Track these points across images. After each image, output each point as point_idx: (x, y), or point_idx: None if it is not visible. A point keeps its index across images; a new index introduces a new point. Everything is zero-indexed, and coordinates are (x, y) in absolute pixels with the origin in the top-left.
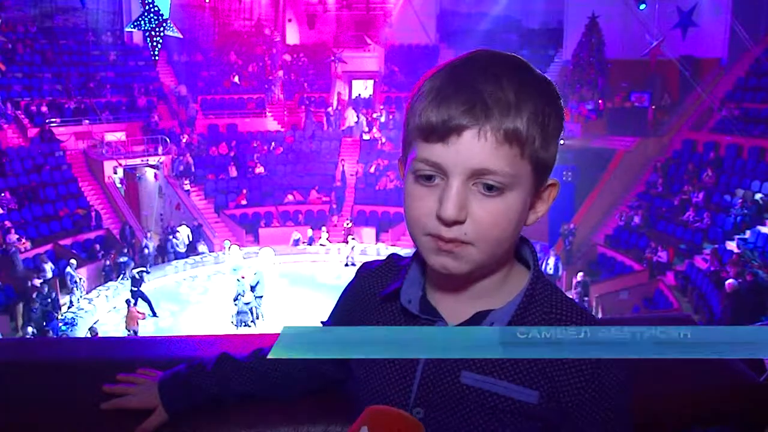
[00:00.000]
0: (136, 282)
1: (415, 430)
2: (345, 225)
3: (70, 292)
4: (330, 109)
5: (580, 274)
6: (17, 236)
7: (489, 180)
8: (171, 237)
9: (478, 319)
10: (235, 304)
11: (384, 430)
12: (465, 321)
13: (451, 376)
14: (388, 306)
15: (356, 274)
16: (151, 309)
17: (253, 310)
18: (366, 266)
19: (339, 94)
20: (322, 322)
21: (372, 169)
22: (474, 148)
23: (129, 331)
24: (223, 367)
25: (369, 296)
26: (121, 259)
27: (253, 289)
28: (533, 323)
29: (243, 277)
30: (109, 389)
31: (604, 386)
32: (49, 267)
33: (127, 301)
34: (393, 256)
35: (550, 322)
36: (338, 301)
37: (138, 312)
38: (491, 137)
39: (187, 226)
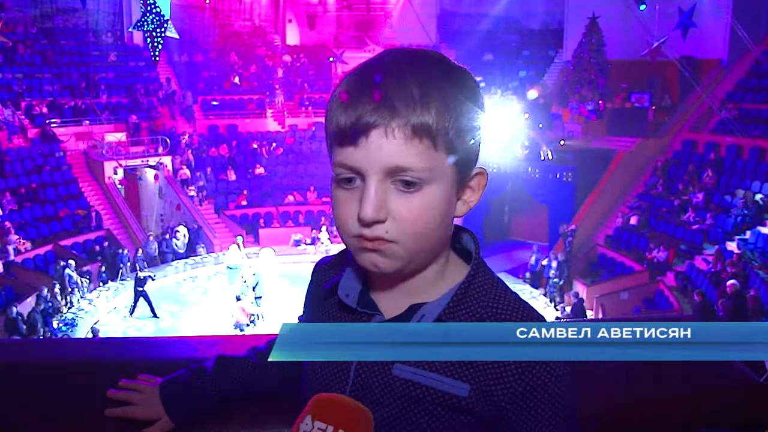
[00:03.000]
0: (141, 282)
1: (360, 416)
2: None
3: (71, 293)
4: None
5: (560, 254)
6: (17, 237)
7: (405, 176)
8: (170, 237)
9: (410, 312)
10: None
11: (327, 418)
12: (399, 315)
13: (384, 369)
14: (330, 300)
15: (312, 270)
16: (152, 309)
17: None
18: (320, 261)
19: None
20: (299, 318)
21: None
22: (383, 146)
23: (237, 329)
24: (222, 367)
25: (318, 290)
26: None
27: (252, 289)
28: (466, 317)
29: (243, 278)
30: (111, 395)
31: (540, 381)
32: (12, 248)
33: (237, 298)
34: (346, 251)
35: (483, 315)
36: (304, 298)
37: (244, 310)
38: (399, 134)
39: (185, 226)
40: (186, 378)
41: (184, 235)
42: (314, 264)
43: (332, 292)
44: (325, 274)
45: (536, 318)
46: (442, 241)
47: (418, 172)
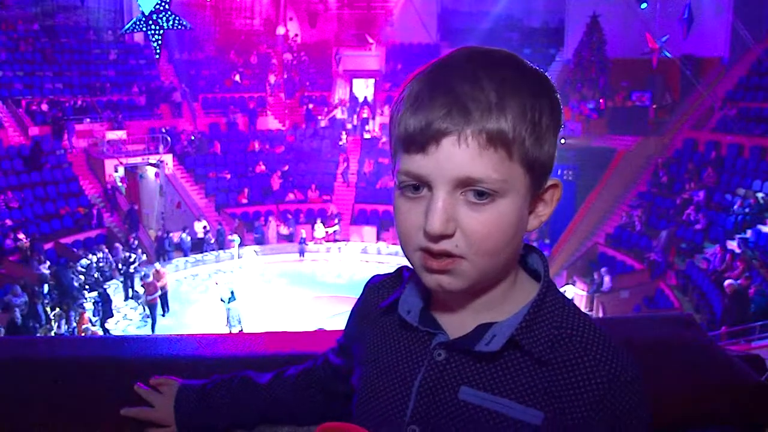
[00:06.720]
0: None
1: None
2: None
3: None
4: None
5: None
6: (18, 235)
7: (477, 188)
8: (182, 234)
9: (480, 331)
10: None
11: None
12: (466, 334)
13: (449, 391)
14: (388, 318)
15: (363, 288)
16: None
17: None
18: (372, 279)
19: (340, 92)
20: (336, 340)
21: (372, 168)
22: (455, 155)
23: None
24: (243, 392)
25: (371, 309)
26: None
27: (230, 300)
28: (539, 338)
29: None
30: (137, 389)
31: (619, 408)
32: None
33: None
34: (402, 269)
35: (557, 335)
36: (348, 316)
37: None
38: (473, 142)
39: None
40: (204, 394)
41: (204, 227)
42: (366, 281)
43: (390, 310)
44: (379, 292)
45: (606, 338)
46: (511, 258)
47: (491, 184)
